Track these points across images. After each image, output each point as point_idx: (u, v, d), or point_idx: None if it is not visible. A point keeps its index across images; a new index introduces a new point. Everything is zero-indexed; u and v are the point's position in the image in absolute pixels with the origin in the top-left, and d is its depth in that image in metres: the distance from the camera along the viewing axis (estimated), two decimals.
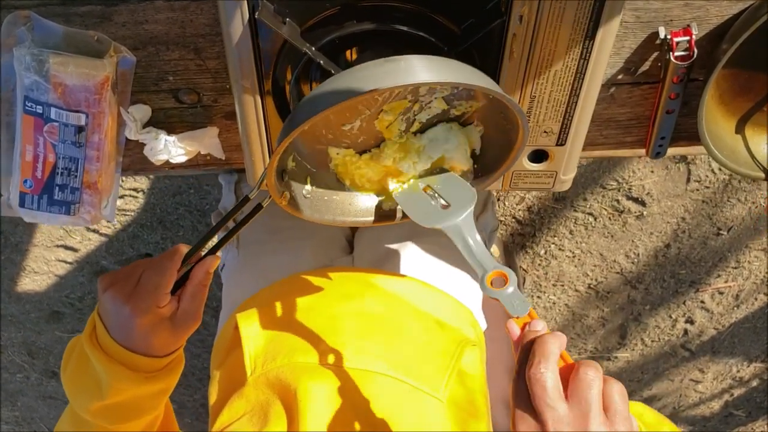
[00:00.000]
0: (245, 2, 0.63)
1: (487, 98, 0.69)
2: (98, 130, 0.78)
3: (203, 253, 0.75)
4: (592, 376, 0.57)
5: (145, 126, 0.81)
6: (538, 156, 0.79)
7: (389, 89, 0.55)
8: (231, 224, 0.80)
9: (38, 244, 2.03)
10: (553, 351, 0.58)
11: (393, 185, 0.76)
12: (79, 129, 0.77)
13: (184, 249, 0.74)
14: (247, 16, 0.64)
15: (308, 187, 0.73)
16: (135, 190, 1.89)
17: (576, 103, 0.72)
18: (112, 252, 2.04)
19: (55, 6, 0.71)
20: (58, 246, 2.04)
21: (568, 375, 0.58)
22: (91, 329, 0.76)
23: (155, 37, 0.74)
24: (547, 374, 0.57)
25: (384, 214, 0.77)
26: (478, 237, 0.67)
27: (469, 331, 0.99)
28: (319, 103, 0.55)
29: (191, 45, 0.75)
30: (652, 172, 1.84)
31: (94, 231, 1.98)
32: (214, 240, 0.77)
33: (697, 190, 1.89)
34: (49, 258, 2.07)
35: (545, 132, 0.75)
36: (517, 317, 0.62)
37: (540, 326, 0.61)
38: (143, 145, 0.81)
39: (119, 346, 0.74)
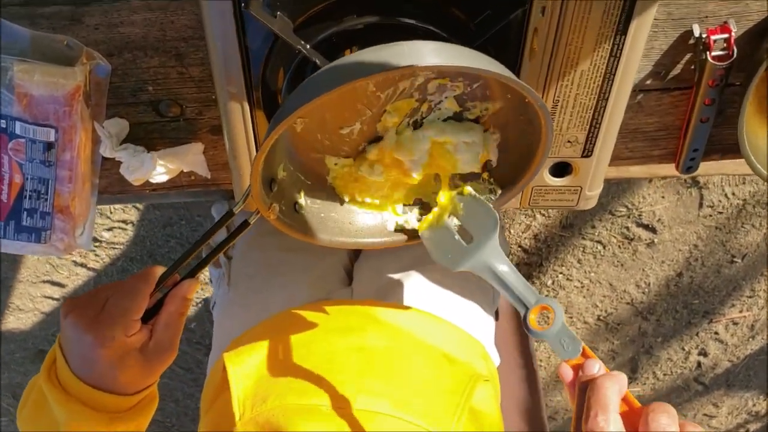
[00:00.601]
0: None
1: (505, 99, 0.61)
2: (70, 146, 0.71)
3: (180, 277, 0.69)
4: (666, 422, 0.49)
5: (122, 142, 0.74)
6: (561, 169, 0.72)
7: (391, 72, 0.47)
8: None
9: (23, 279, 2.01)
10: (612, 398, 0.50)
11: (400, 207, 0.69)
12: (49, 146, 0.70)
13: (159, 271, 0.68)
14: (232, 9, 0.56)
15: (301, 200, 0.65)
16: (124, 221, 1.88)
17: (605, 108, 0.65)
18: None
19: (17, 6, 0.64)
20: (44, 281, 2.01)
21: (635, 421, 0.50)
22: (50, 363, 0.69)
23: (132, 42, 0.67)
24: (607, 428, 0.49)
25: (389, 234, 0.69)
26: (510, 267, 0.59)
27: (480, 365, 0.93)
28: (312, 90, 0.48)
29: (172, 50, 0.68)
30: (663, 197, 1.83)
31: (82, 265, 1.96)
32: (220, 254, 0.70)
33: (710, 216, 1.88)
34: (34, 294, 2.04)
35: (569, 142, 0.68)
36: (569, 362, 0.55)
37: (595, 368, 0.54)
38: (120, 164, 0.74)
39: (80, 382, 0.66)
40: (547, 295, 1.97)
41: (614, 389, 0.51)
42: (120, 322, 0.65)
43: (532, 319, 0.56)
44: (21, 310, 2.06)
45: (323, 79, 0.49)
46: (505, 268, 0.60)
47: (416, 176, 0.66)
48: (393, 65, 0.47)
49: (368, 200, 0.68)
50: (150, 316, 0.68)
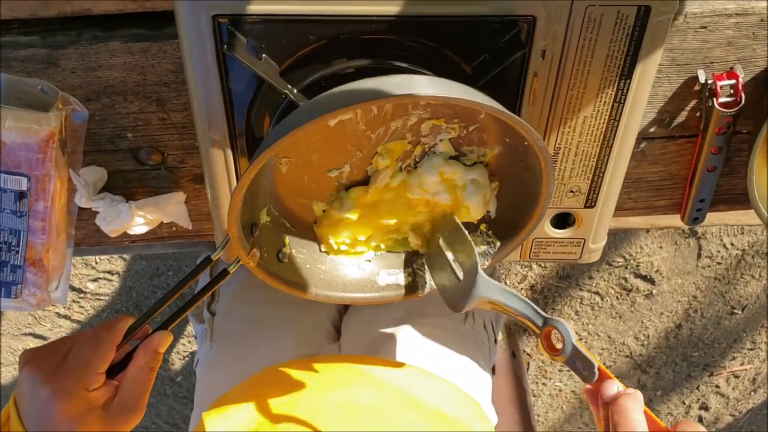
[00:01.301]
0: (213, 34, 0.52)
1: (503, 143, 0.58)
2: (43, 196, 0.67)
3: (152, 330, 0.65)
4: None
5: (100, 191, 0.70)
6: (563, 220, 0.68)
7: (381, 101, 0.45)
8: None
9: (4, 332, 1.99)
10: (637, 417, 0.51)
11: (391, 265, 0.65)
12: (20, 195, 0.67)
13: (128, 321, 0.63)
14: (215, 51, 0.53)
15: (286, 249, 0.61)
16: (110, 272, 1.86)
17: (608, 156, 0.62)
18: None
19: None
20: (26, 334, 1.98)
21: None
22: (5, 420, 0.64)
23: (111, 86, 0.64)
24: None
25: (379, 289, 0.65)
26: (509, 294, 0.57)
27: (476, 424, 0.89)
28: (294, 121, 0.45)
29: (153, 95, 0.65)
30: (661, 247, 1.82)
31: (66, 317, 1.95)
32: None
33: (709, 266, 1.89)
34: (16, 348, 2.01)
35: (572, 191, 0.65)
36: (590, 384, 0.55)
37: (612, 389, 0.54)
38: (97, 214, 0.70)
39: None
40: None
41: (638, 408, 0.51)
42: (81, 374, 0.60)
43: (545, 342, 0.55)
44: (2, 363, 2.01)
45: (307, 108, 0.46)
46: (500, 295, 0.57)
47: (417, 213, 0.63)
48: (384, 93, 0.44)
49: (344, 246, 0.64)
50: (117, 370, 0.63)
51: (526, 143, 0.53)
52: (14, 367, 2.03)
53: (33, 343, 1.96)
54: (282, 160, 0.59)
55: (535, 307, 0.56)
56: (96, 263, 1.81)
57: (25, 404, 0.62)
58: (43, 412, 0.61)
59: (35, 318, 1.92)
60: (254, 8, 0.52)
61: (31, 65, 0.62)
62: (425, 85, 0.46)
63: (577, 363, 0.53)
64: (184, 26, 0.53)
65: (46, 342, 1.92)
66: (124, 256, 1.79)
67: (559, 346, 0.54)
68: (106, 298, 1.87)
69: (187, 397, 2.04)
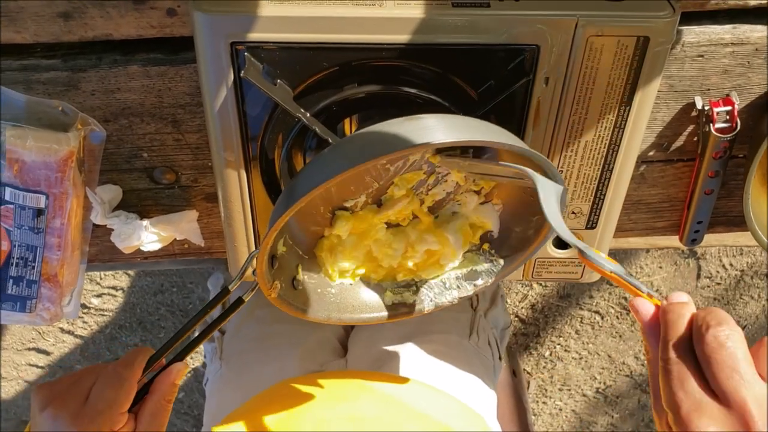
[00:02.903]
0: (230, 60, 0.54)
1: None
2: (60, 213, 0.69)
3: (165, 360, 0.64)
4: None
5: (115, 209, 0.72)
6: (565, 242, 0.69)
7: (414, 150, 0.45)
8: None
9: (7, 347, 1.97)
10: (728, 319, 0.44)
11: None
12: (38, 212, 0.68)
13: (147, 354, 0.63)
14: (232, 76, 0.55)
15: (299, 276, 0.63)
16: (114, 288, 1.85)
17: (609, 179, 0.64)
18: (88, 355, 1.96)
19: (15, 72, 0.63)
20: (29, 349, 1.97)
21: None
22: None
23: (128, 108, 0.66)
24: (735, 336, 0.43)
25: (390, 308, 0.67)
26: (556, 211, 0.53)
27: None
28: (328, 169, 0.46)
29: (169, 117, 0.67)
30: (661, 267, 1.82)
31: (69, 333, 1.93)
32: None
33: (708, 286, 1.89)
34: (19, 362, 2.00)
35: (573, 213, 0.66)
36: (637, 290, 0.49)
37: (685, 297, 0.48)
38: (111, 231, 0.72)
39: None
40: (544, 367, 1.94)
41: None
42: (107, 416, 0.60)
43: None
44: (5, 378, 2.00)
45: (338, 158, 0.47)
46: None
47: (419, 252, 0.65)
48: (412, 143, 0.46)
49: (372, 273, 0.66)
50: (134, 403, 0.63)
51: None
52: (17, 382, 2.02)
53: (35, 358, 1.96)
54: None
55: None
56: (101, 279, 1.81)
57: None
58: None
59: (39, 333, 1.92)
60: (270, 36, 0.54)
61: (53, 87, 0.64)
62: (453, 129, 0.47)
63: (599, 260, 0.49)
64: (204, 53, 0.55)
65: (57, 377, 1.92)
66: (129, 272, 1.80)
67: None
68: (110, 314, 1.87)
69: (188, 413, 2.04)
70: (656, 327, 0.48)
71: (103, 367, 0.62)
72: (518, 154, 0.52)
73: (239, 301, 0.62)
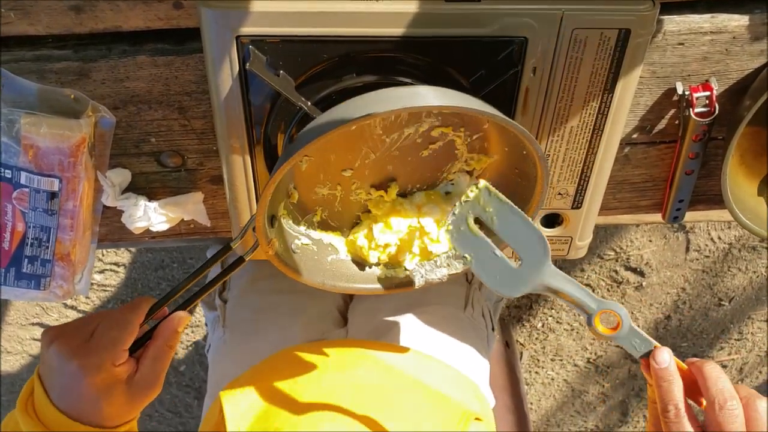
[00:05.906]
0: (235, 52, 0.58)
1: (502, 152, 0.63)
2: (73, 196, 0.72)
3: (169, 312, 0.67)
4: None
5: (124, 192, 0.75)
6: (551, 220, 0.73)
7: (391, 112, 0.50)
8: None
9: (12, 322, 1.98)
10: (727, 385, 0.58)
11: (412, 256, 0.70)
12: (52, 195, 0.71)
13: (149, 302, 0.66)
14: (237, 67, 0.59)
15: (298, 240, 0.67)
16: (116, 264, 1.86)
17: (593, 162, 0.67)
18: None
19: (29, 62, 0.66)
20: (33, 324, 1.99)
21: None
22: (27, 395, 0.66)
23: (137, 96, 0.69)
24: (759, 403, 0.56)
25: (382, 280, 0.71)
26: (568, 281, 0.58)
27: (474, 404, 0.93)
28: (324, 126, 0.50)
29: (175, 104, 0.69)
30: (651, 241, 1.83)
31: (72, 308, 1.94)
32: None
33: (697, 259, 1.89)
34: (23, 337, 2.01)
35: (560, 194, 0.70)
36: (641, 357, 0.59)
37: (666, 356, 0.58)
38: (121, 213, 0.75)
39: (60, 414, 0.64)
40: (536, 338, 1.96)
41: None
42: (109, 351, 0.63)
43: (598, 323, 0.58)
44: (9, 352, 2.03)
45: (337, 114, 0.51)
46: (564, 284, 0.58)
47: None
48: (406, 103, 0.50)
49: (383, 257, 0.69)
50: (137, 347, 0.66)
51: (524, 152, 0.59)
52: (21, 356, 2.03)
53: (39, 333, 1.97)
54: (304, 159, 0.64)
55: (590, 292, 0.58)
56: (103, 255, 1.82)
57: (51, 378, 0.64)
58: (71, 385, 0.63)
59: (42, 308, 1.94)
60: (273, 30, 0.57)
61: (65, 76, 0.67)
62: (446, 97, 0.52)
63: (633, 341, 0.58)
64: (210, 46, 0.58)
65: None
66: (130, 248, 1.81)
67: (608, 328, 0.58)
68: (112, 289, 1.89)
69: (189, 385, 2.06)
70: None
71: (107, 311, 0.66)
72: (503, 126, 0.55)
73: (240, 259, 0.65)
